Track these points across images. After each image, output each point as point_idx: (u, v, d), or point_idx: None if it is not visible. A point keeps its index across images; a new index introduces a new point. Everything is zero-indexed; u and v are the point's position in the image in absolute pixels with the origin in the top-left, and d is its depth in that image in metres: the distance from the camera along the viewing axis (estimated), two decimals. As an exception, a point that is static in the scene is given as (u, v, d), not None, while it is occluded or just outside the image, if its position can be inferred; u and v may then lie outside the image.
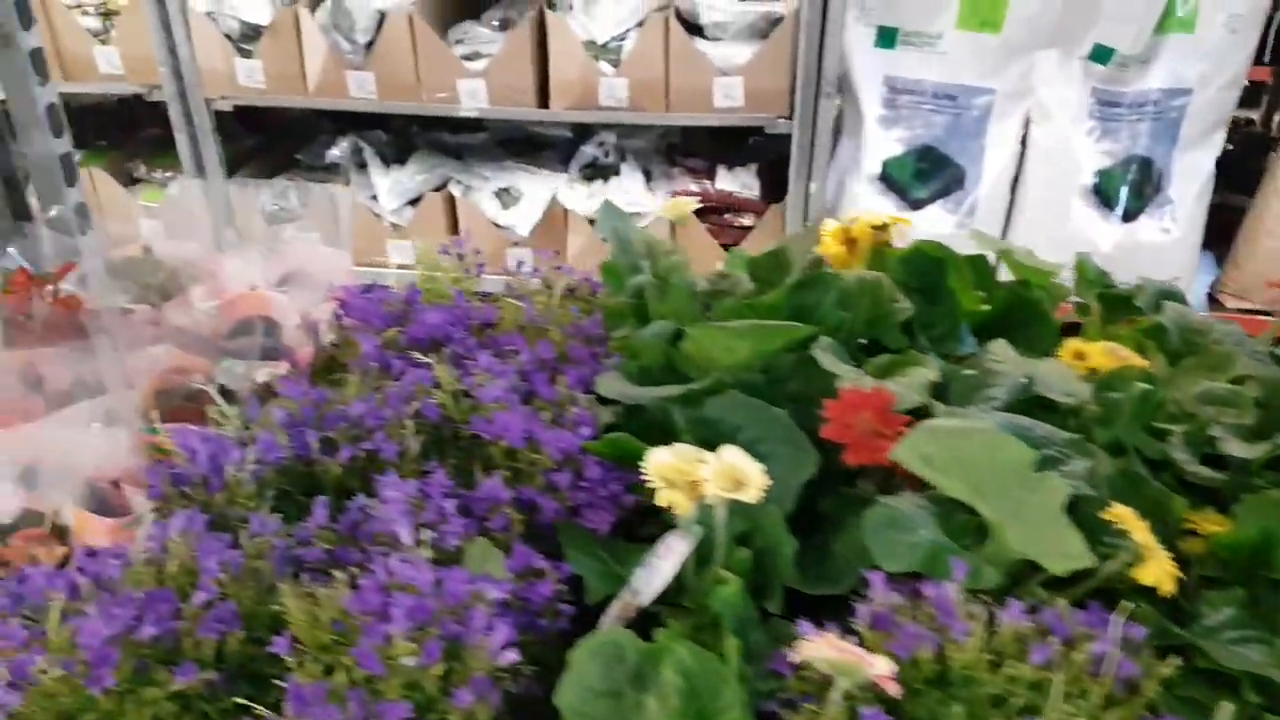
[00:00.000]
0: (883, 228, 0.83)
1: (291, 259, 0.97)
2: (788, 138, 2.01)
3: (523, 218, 2.15)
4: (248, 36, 2.13)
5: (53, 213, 0.97)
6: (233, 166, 2.34)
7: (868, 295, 0.75)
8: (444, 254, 0.98)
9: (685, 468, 0.53)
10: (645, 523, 0.69)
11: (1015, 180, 1.96)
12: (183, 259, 0.98)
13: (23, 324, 0.80)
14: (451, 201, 2.23)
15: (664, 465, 0.53)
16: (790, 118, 1.91)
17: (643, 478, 0.69)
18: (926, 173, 1.91)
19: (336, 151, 2.30)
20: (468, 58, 2.05)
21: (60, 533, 0.63)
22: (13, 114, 0.97)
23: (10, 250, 0.92)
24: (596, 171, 2.18)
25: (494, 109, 2.07)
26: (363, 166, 2.31)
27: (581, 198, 2.14)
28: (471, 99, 2.05)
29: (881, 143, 1.91)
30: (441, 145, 2.39)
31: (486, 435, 0.69)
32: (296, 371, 0.79)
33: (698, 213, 2.10)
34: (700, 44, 1.91)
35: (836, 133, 1.93)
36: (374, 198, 2.26)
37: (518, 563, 0.60)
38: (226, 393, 0.78)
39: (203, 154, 2.24)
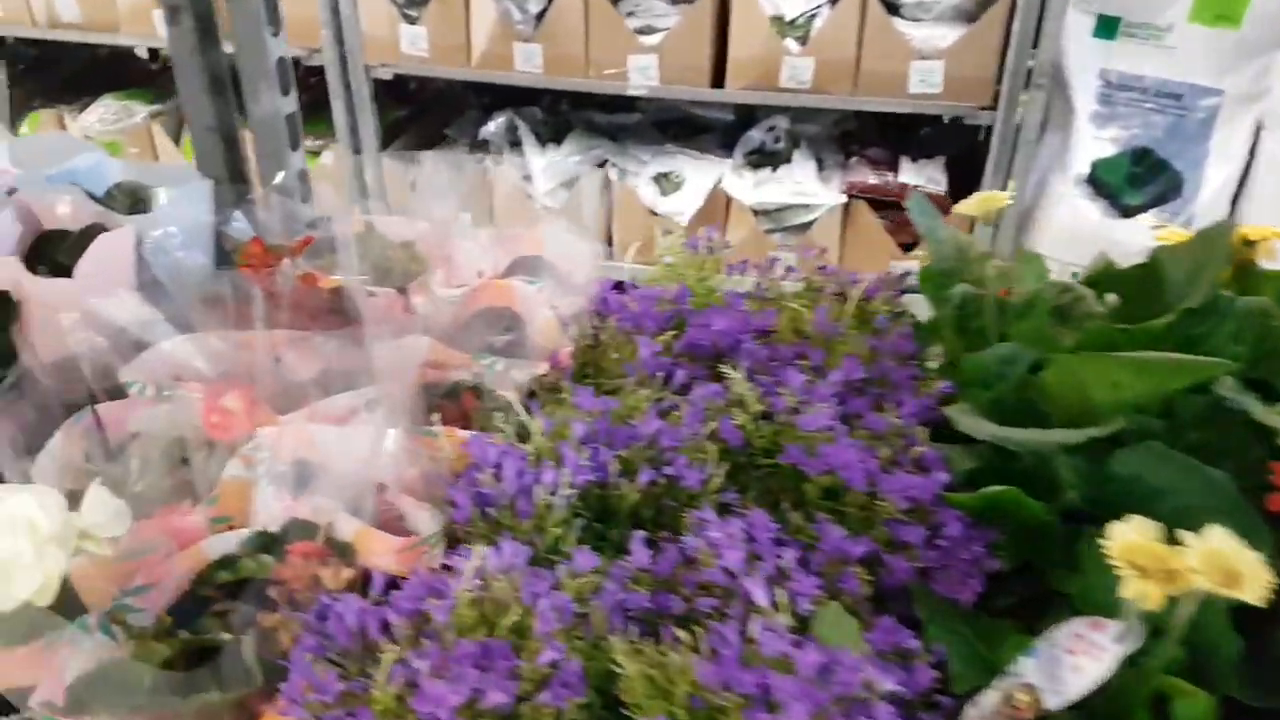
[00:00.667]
0: (1253, 243, 0.70)
1: (526, 244, 0.88)
2: (971, 129, 1.85)
3: (684, 205, 2.04)
4: (414, 2, 2.07)
5: (279, 178, 0.90)
6: (383, 138, 2.29)
7: (1255, 326, 0.62)
8: (693, 247, 0.88)
9: (1162, 553, 0.41)
10: (1000, 593, 0.58)
11: (1238, 192, 1.76)
12: (404, 237, 0.90)
13: (267, 302, 0.73)
14: (607, 185, 2.13)
15: (1134, 547, 0.41)
16: (993, 108, 1.76)
17: (1001, 537, 0.58)
18: (1141, 177, 1.74)
19: (491, 127, 2.23)
20: (640, 31, 1.95)
21: (340, 549, 0.55)
22: (241, 68, 0.91)
23: (238, 215, 0.86)
24: (764, 158, 2.05)
25: (664, 87, 1.96)
26: (516, 145, 2.23)
27: (747, 186, 2.02)
28: (641, 76, 1.95)
29: (1092, 141, 1.74)
30: (594, 125, 2.30)
31: (811, 471, 0.59)
32: (559, 374, 0.70)
33: (873, 206, 1.97)
34: (899, 24, 1.77)
35: (1041, 128, 1.77)
36: (526, 177, 2.18)
37: (882, 639, 0.50)
38: (485, 392, 0.69)
39: (358, 123, 2.20)
